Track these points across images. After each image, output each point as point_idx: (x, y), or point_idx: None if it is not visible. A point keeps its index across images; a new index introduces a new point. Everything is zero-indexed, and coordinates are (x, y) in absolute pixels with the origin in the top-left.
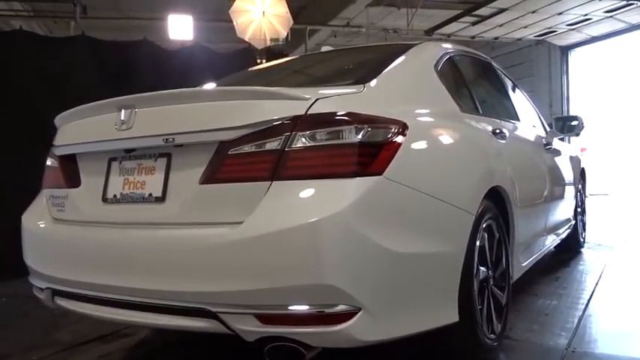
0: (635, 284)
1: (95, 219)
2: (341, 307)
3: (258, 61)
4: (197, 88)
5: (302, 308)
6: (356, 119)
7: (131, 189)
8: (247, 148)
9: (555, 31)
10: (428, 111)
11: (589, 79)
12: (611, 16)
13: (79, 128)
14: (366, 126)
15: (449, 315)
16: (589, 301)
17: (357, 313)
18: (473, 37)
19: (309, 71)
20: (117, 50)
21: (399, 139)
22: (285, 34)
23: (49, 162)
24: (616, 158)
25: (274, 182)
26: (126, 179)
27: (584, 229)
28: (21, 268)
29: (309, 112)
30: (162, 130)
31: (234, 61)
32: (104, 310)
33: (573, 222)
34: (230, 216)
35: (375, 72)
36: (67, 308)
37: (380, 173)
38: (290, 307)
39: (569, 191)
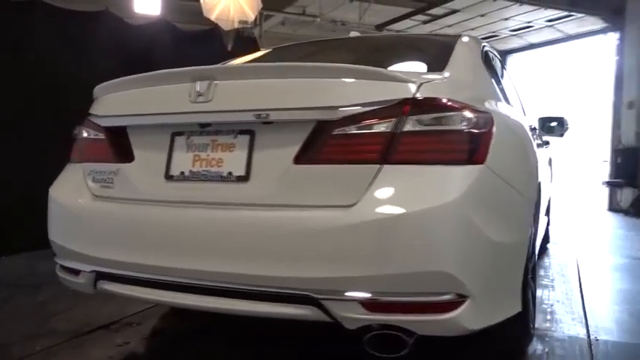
0: (615, 277)
1: (156, 197)
2: (451, 295)
3: (226, 43)
4: (292, 63)
5: (414, 296)
6: (461, 106)
7: (204, 166)
8: (355, 129)
9: (498, 36)
10: (492, 102)
11: (521, 84)
12: (551, 25)
13: (132, 99)
14: (469, 113)
15: (517, 304)
16: (582, 292)
17: (465, 301)
18: None
19: (371, 55)
20: (75, 20)
21: (493, 128)
22: (254, 17)
23: (85, 134)
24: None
25: (385, 166)
26: (196, 156)
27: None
28: None
29: (416, 96)
30: (253, 105)
31: (200, 42)
32: (165, 295)
33: (547, 219)
34: (335, 199)
35: (440, 62)
36: (113, 292)
37: (482, 162)
38: (401, 295)
39: (550, 190)
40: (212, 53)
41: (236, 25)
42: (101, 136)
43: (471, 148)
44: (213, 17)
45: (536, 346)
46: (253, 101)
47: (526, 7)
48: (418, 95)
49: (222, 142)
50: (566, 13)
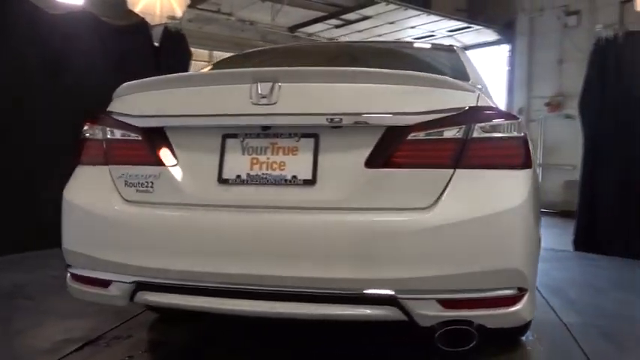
0: (543, 267)
1: (209, 202)
2: (514, 290)
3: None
4: (360, 69)
5: (487, 292)
6: (511, 114)
7: (264, 170)
8: (429, 135)
9: None
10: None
11: None
12: (451, 36)
13: (176, 98)
14: (517, 121)
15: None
16: None
17: (525, 294)
18: (331, 40)
19: (385, 64)
20: None
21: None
22: (181, 13)
23: (111, 134)
24: None
25: (457, 170)
26: (254, 159)
27: None
28: None
29: (479, 104)
30: (324, 109)
31: (125, 36)
32: (223, 303)
33: None
34: (410, 202)
35: (459, 71)
36: (154, 302)
37: (531, 166)
38: (474, 291)
39: None
40: (138, 48)
41: (164, 21)
42: (135, 137)
43: (525, 152)
44: (137, 9)
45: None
46: (323, 105)
47: (433, 17)
48: (480, 103)
49: (283, 145)
50: (466, 25)
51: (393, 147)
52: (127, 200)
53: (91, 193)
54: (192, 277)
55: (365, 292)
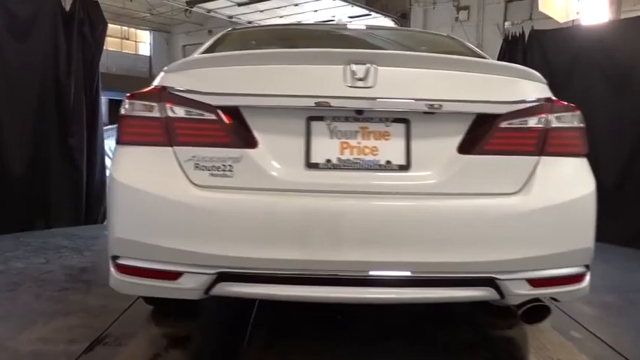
0: None
1: (298, 187)
2: (583, 267)
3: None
4: (455, 57)
5: (566, 269)
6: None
7: (355, 154)
8: (518, 123)
9: None
10: None
11: None
12: (350, 21)
13: (253, 76)
14: (579, 113)
15: None
16: None
17: (589, 271)
18: (230, 17)
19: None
20: None
21: None
22: None
23: (171, 111)
24: None
25: (542, 157)
26: (344, 143)
27: None
28: None
29: (551, 96)
30: (421, 95)
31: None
32: (315, 291)
33: None
34: (501, 187)
35: (482, 57)
36: (236, 293)
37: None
38: (558, 269)
39: None
40: (46, 14)
41: None
42: (209, 116)
43: (586, 141)
44: None
45: None
46: (418, 90)
47: (338, 2)
48: (549, 94)
49: (374, 129)
50: (366, 12)
51: (485, 134)
52: (197, 185)
53: (152, 177)
54: (286, 265)
55: (466, 274)
